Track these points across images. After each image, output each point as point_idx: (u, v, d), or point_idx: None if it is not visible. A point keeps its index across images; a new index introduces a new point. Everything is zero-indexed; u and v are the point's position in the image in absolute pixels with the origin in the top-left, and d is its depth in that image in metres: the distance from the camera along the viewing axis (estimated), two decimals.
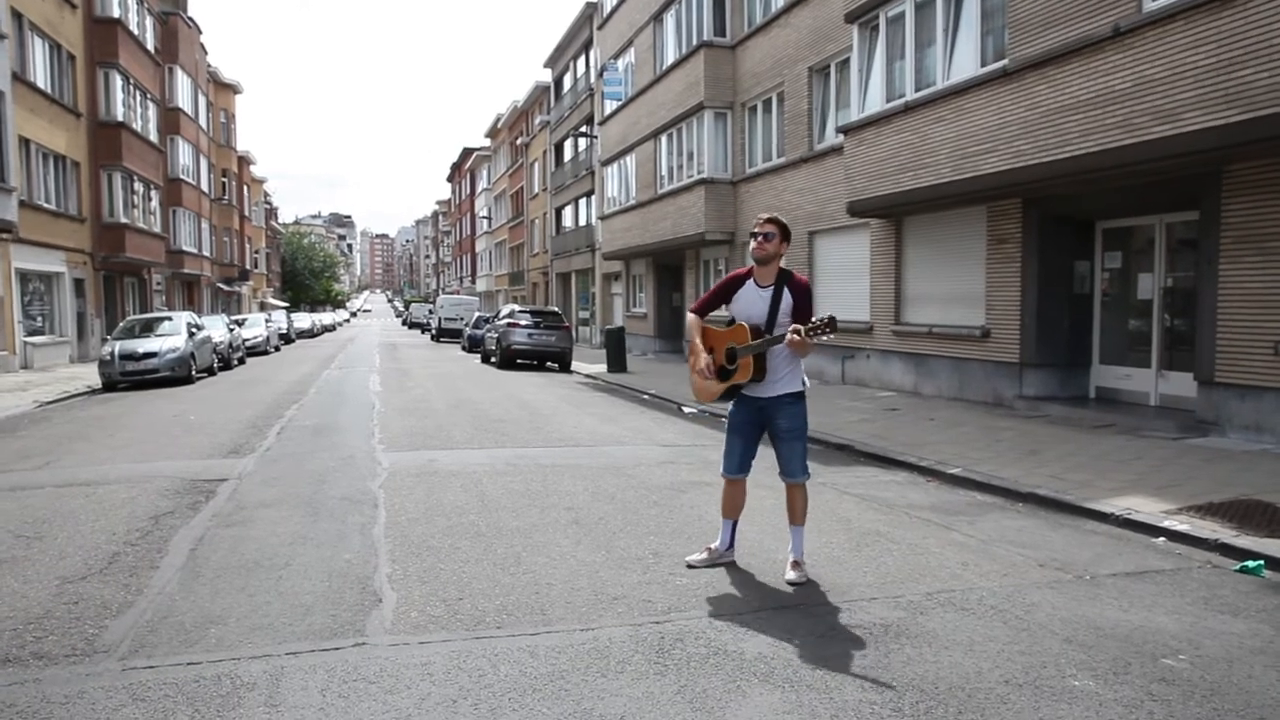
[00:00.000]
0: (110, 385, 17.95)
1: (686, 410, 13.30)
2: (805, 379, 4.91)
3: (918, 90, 12.18)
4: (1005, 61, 10.50)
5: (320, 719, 3.20)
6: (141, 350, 18.30)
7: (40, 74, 24.01)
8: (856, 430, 10.30)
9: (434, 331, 44.07)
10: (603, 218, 29.99)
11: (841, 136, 14.54)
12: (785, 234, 4.77)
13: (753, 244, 4.77)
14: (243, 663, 3.70)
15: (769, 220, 4.75)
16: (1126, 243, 11.08)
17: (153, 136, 32.27)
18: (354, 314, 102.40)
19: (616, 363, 20.75)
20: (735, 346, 4.74)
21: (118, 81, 28.20)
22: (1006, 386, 11.78)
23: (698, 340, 4.89)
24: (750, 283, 4.80)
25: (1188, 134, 8.21)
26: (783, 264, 4.85)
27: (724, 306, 4.95)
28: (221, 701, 3.34)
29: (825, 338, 4.44)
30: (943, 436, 9.72)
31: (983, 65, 10.89)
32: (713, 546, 5.16)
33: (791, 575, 4.79)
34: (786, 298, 4.68)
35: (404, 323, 75.83)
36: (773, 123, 18.84)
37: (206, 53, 43.08)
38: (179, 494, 7.12)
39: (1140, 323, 10.85)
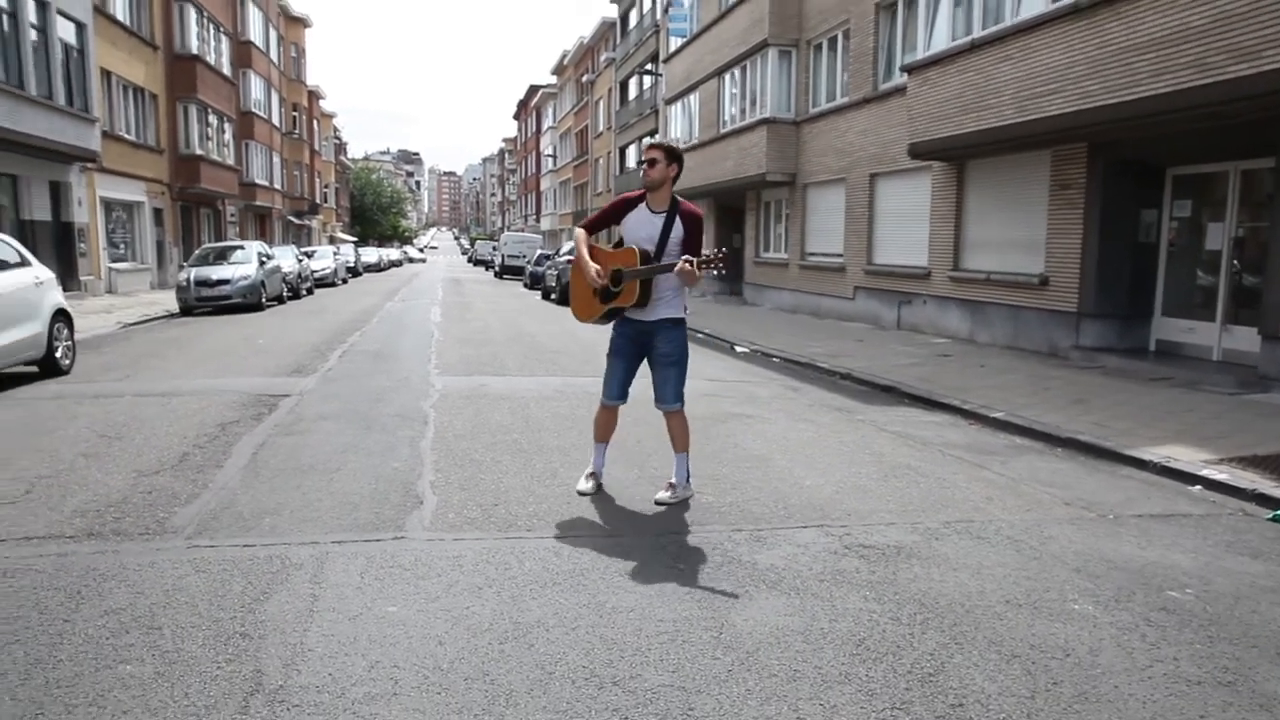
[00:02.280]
0: (186, 310, 18.75)
1: (739, 349, 13.41)
2: (686, 305, 4.89)
3: (985, 28, 11.83)
4: None
5: (357, 595, 3.50)
6: (215, 277, 19.03)
7: (119, 6, 24.66)
8: (904, 373, 10.31)
9: (497, 268, 44.59)
10: None
11: (905, 77, 14.21)
12: (671, 157, 4.70)
13: (642, 174, 4.73)
14: (292, 547, 4.04)
15: (653, 146, 4.71)
16: (1197, 191, 10.71)
17: (226, 70, 32.96)
18: (421, 250, 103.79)
19: None
20: (623, 269, 4.66)
21: (192, 14, 28.78)
22: (1063, 336, 11.60)
23: (585, 253, 4.76)
24: (643, 206, 4.74)
25: (1267, 73, 7.88)
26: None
27: (614, 227, 4.90)
28: (271, 576, 3.67)
29: (715, 271, 4.47)
30: (991, 382, 9.68)
31: (1054, 1, 10.51)
32: (595, 474, 5.10)
33: (663, 495, 4.86)
34: (678, 226, 4.65)
35: (469, 259, 76.85)
36: (837, 61, 18.45)
37: None
38: (244, 406, 7.56)
39: (1207, 274, 10.54)
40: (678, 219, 4.67)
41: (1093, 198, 11.13)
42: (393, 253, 67.02)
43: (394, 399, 8.07)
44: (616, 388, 4.93)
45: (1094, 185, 11.12)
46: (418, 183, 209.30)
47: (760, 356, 12.58)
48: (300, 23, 50.18)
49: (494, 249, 58.29)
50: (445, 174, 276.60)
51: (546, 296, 25.84)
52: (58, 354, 9.32)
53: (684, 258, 4.46)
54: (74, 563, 3.82)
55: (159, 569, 3.75)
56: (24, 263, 9.14)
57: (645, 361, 4.95)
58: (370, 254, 53.87)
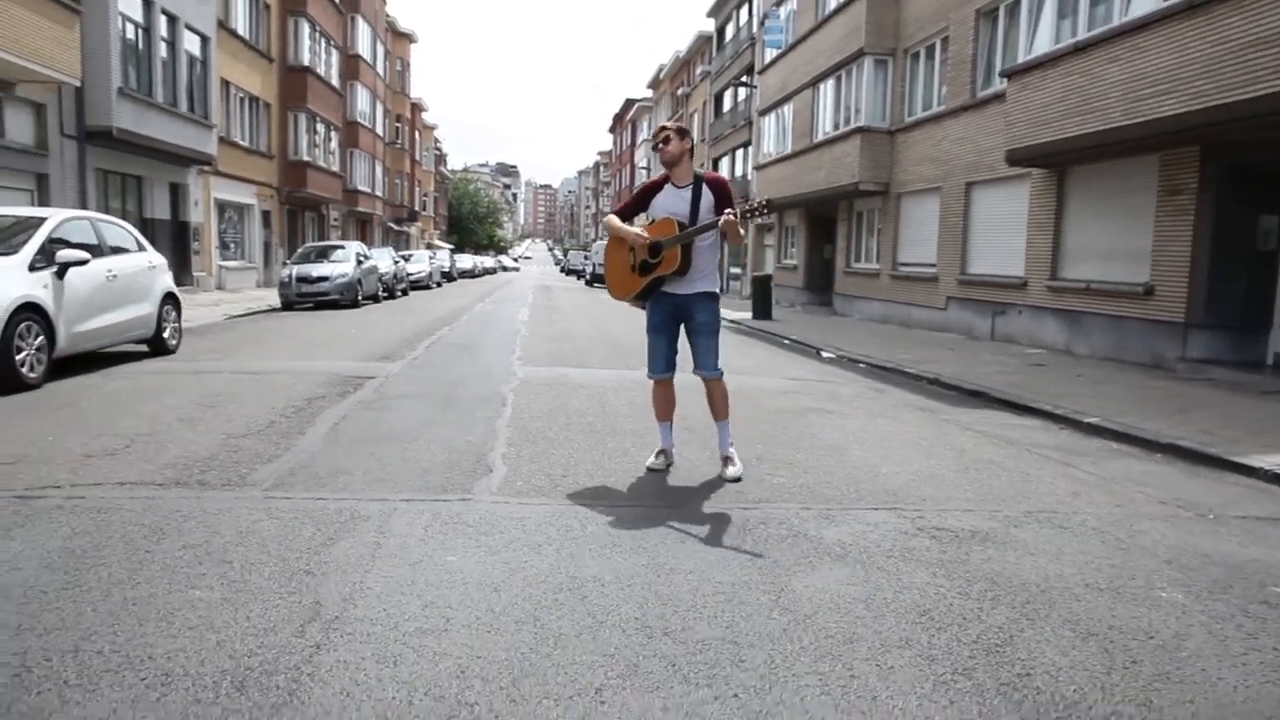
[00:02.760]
0: (287, 305, 19.54)
1: (824, 355, 13.19)
2: (719, 280, 4.94)
3: (1091, 29, 11.39)
4: None
5: (420, 546, 3.56)
6: (315, 274, 19.80)
7: (240, 21, 26.01)
8: (994, 380, 9.95)
9: (588, 276, 45.04)
10: (758, 168, 29.70)
11: (1004, 83, 13.79)
12: (682, 133, 4.87)
13: (658, 153, 4.87)
14: (362, 502, 4.14)
15: (663, 126, 4.84)
16: None
17: (334, 81, 34.37)
18: (515, 260, 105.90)
19: (761, 310, 20.68)
20: (660, 240, 4.75)
21: (305, 29, 30.14)
22: (1168, 347, 11.02)
23: (623, 225, 4.93)
24: (668, 186, 4.87)
25: None
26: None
27: (644, 215, 4.99)
28: (339, 525, 3.77)
29: (760, 216, 4.59)
30: (1086, 390, 9.25)
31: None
32: (667, 450, 5.12)
33: (730, 471, 4.88)
34: (706, 195, 4.75)
35: (561, 269, 78.04)
36: (934, 69, 18.05)
37: (385, 2, 45.20)
38: (331, 385, 7.81)
39: None
40: (704, 188, 4.78)
41: (1204, 203, 10.56)
42: (487, 260, 68.54)
43: (475, 384, 8.22)
44: (663, 361, 5.00)
45: (1206, 190, 10.55)
46: (514, 195, 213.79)
47: (845, 361, 12.34)
48: (406, 38, 52.00)
49: (585, 258, 58.98)
50: (541, 187, 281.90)
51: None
52: (165, 334, 9.82)
53: (727, 211, 4.52)
54: (160, 505, 3.99)
55: (235, 514, 3.89)
56: (140, 248, 9.67)
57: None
58: (465, 260, 55.20)
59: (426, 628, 2.78)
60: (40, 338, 7.33)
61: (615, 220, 5.04)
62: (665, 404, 5.11)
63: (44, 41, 14.17)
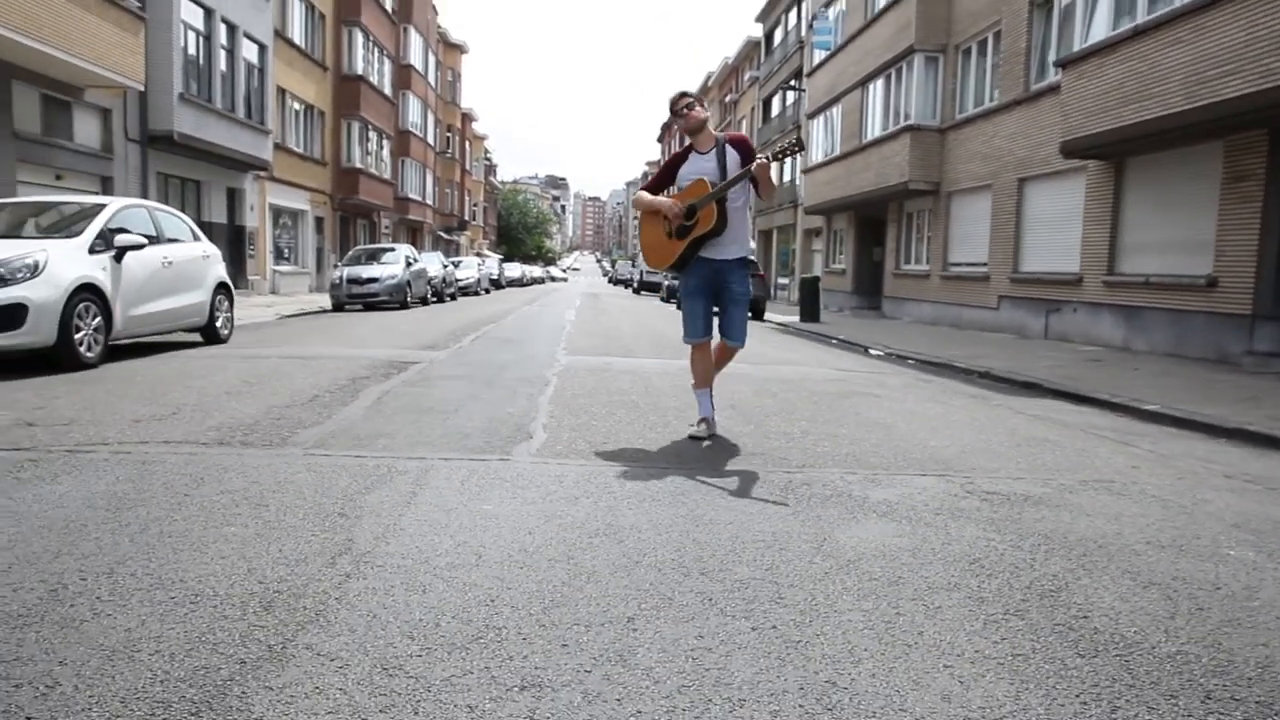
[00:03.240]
0: (338, 306, 19.85)
1: (873, 352, 12.97)
2: (753, 247, 5.01)
3: (1151, 12, 11.06)
4: None
5: (455, 497, 3.52)
6: (365, 275, 20.08)
7: (297, 30, 26.63)
8: (1048, 373, 9.65)
9: (635, 285, 45.08)
10: (805, 171, 29.47)
11: (1058, 74, 13.48)
12: (699, 100, 5.02)
13: (681, 122, 4.94)
14: (400, 460, 4.12)
15: (682, 94, 4.94)
16: None
17: (387, 90, 34.98)
18: (563, 270, 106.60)
19: (809, 312, 20.46)
20: (693, 202, 4.81)
21: (359, 38, 30.74)
22: (1233, 341, 10.61)
23: (654, 197, 4.99)
24: (692, 154, 4.97)
25: None
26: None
27: (672, 188, 5.04)
28: (376, 478, 3.75)
29: (792, 155, 4.77)
30: (1146, 382, 8.93)
31: None
32: (707, 419, 5.06)
33: (698, 430, 4.98)
34: (731, 154, 4.84)
35: (609, 279, 78.32)
36: (986, 64, 17.73)
37: (437, 14, 45.96)
38: (376, 367, 7.87)
39: None
40: (727, 148, 4.86)
41: (1272, 190, 10.16)
42: (535, 270, 69.05)
43: (519, 368, 8.21)
44: (701, 324, 5.03)
45: (1274, 176, 10.15)
46: (563, 207, 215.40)
47: (894, 358, 12.11)
48: (457, 49, 52.78)
49: (633, 266, 59.07)
50: (590, 199, 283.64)
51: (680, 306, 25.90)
52: (218, 323, 10.00)
53: (757, 158, 4.60)
54: (202, 459, 4.03)
55: (274, 467, 3.90)
56: (195, 238, 9.88)
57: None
58: (513, 269, 55.68)
59: (458, 562, 2.74)
60: (98, 318, 7.50)
61: (645, 194, 5.09)
62: (705, 369, 5.08)
63: (111, 48, 14.62)
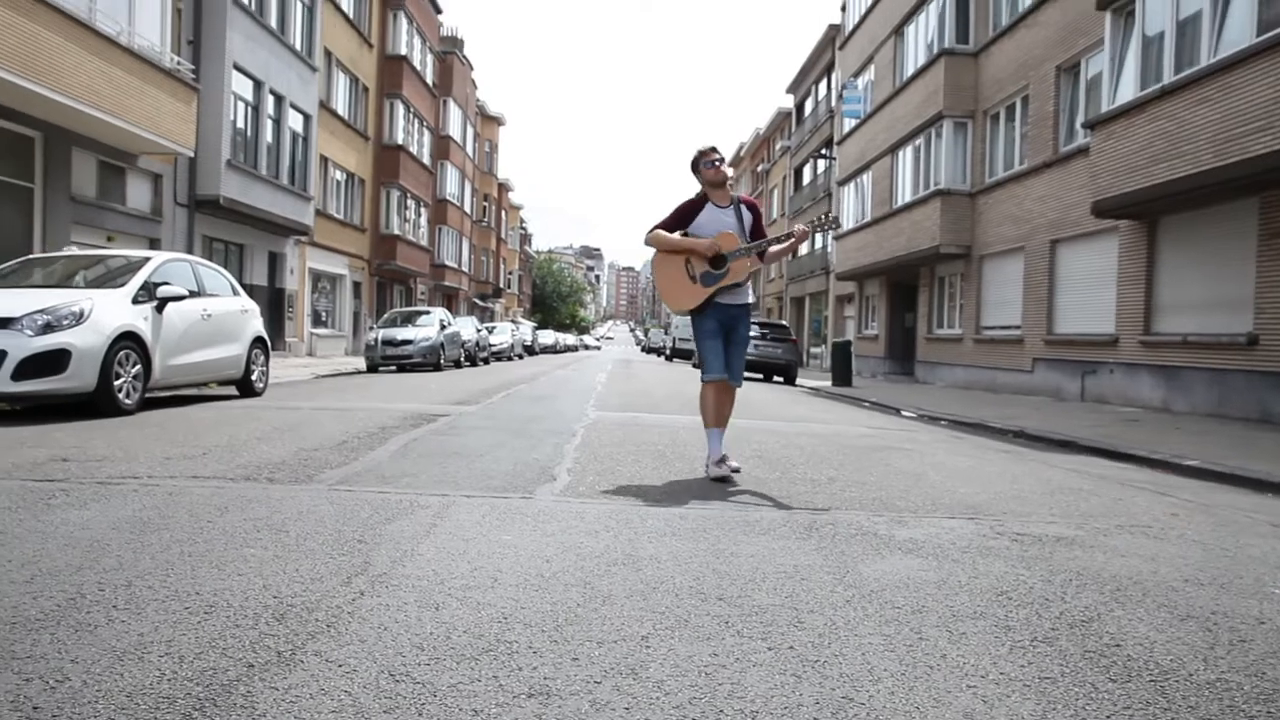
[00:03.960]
0: (373, 367, 20.10)
1: (905, 413, 12.83)
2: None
3: (1177, 72, 11.13)
4: None
5: (475, 528, 3.51)
6: (400, 337, 20.38)
7: (340, 101, 27.62)
8: (1084, 432, 9.48)
9: (668, 352, 45.20)
10: (837, 238, 29.66)
11: (1086, 136, 13.55)
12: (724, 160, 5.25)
13: (709, 172, 5.12)
14: (423, 496, 4.12)
15: (712, 149, 5.15)
16: None
17: (426, 160, 35.97)
18: (597, 339, 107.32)
19: (841, 377, 20.36)
20: (725, 252, 5.01)
21: (400, 110, 31.78)
22: (1277, 400, 10.36)
23: (682, 239, 5.09)
24: (709, 205, 5.14)
25: None
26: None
27: (683, 231, 5.16)
28: (398, 510, 3.75)
29: (829, 230, 5.20)
30: (1186, 440, 8.73)
31: (1259, 34, 9.77)
32: (719, 461, 5.08)
33: (732, 464, 5.10)
34: (746, 215, 5.15)
35: (642, 348, 78.75)
36: (1015, 129, 17.88)
37: (476, 88, 47.46)
38: (406, 418, 7.93)
39: None
40: (742, 208, 5.18)
41: None
42: (569, 338, 69.62)
43: (548, 421, 8.23)
44: (720, 362, 5.16)
45: None
46: (597, 277, 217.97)
47: (927, 418, 11.97)
48: (495, 121, 54.30)
49: (665, 334, 59.29)
50: (624, 269, 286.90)
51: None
52: (253, 377, 10.17)
53: (799, 225, 5.03)
54: (228, 491, 4.06)
55: (298, 499, 3.92)
56: (234, 293, 10.12)
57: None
58: (547, 336, 56.15)
59: (473, 584, 2.71)
60: (137, 366, 7.67)
61: (666, 234, 5.15)
62: (719, 409, 5.19)
63: (166, 117, 15.25)
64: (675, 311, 5.31)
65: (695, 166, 5.22)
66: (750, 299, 5.30)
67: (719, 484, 4.86)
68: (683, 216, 5.16)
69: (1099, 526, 4.12)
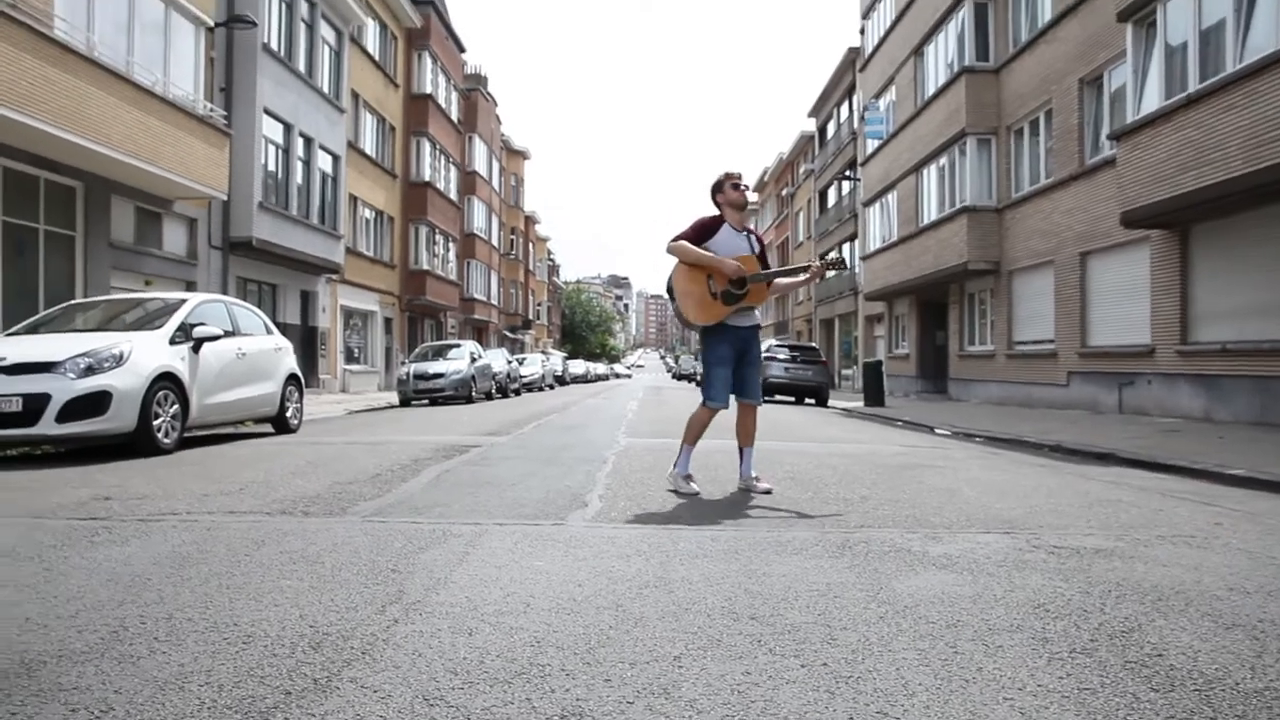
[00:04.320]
0: (405, 401, 20.29)
1: (939, 431, 12.70)
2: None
3: (1202, 80, 11.04)
4: None
5: (508, 554, 3.53)
6: (431, 371, 20.58)
7: (368, 141, 28.15)
8: (1123, 444, 9.31)
9: (699, 378, 45.16)
10: (864, 258, 29.58)
11: (1113, 146, 13.44)
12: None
13: (735, 194, 5.31)
14: (455, 525, 4.16)
15: (739, 174, 5.35)
16: None
17: (453, 195, 36.49)
18: (627, 368, 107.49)
19: (874, 397, 20.21)
20: (746, 275, 5.17)
21: (426, 148, 32.31)
22: None
23: (709, 256, 5.16)
24: (726, 227, 5.28)
25: None
26: None
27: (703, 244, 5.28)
28: (431, 540, 3.79)
29: (836, 273, 5.10)
30: (1228, 449, 8.54)
31: None
32: (687, 476, 5.38)
33: (761, 485, 5.32)
34: (755, 244, 5.35)
35: (672, 375, 78.78)
36: (1039, 143, 17.78)
37: (500, 123, 48.15)
38: (439, 449, 8.00)
39: None
40: (752, 238, 5.39)
41: None
42: (599, 367, 69.84)
43: (579, 449, 8.26)
44: (726, 393, 5.29)
45: None
46: (626, 305, 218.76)
47: (961, 435, 11.83)
48: (520, 155, 54.99)
49: (696, 360, 59.27)
50: (653, 297, 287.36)
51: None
52: (288, 414, 10.32)
53: (812, 263, 5.42)
54: (264, 525, 4.12)
55: (333, 531, 3.97)
56: (268, 332, 10.31)
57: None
58: (577, 366, 56.43)
59: (505, 609, 2.73)
60: (175, 406, 7.83)
61: (693, 247, 5.19)
62: (700, 430, 5.43)
63: (200, 162, 15.65)
64: (692, 322, 5.30)
65: (720, 188, 5.33)
66: (757, 322, 5.47)
67: (751, 506, 4.85)
68: (702, 232, 5.23)
69: (1139, 537, 4.05)
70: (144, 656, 2.25)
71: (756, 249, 5.35)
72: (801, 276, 5.39)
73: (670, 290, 5.36)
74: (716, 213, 5.37)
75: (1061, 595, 2.94)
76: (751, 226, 5.50)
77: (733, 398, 5.42)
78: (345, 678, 2.12)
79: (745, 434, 5.46)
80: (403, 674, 2.16)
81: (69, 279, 13.68)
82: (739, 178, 5.35)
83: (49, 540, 3.71)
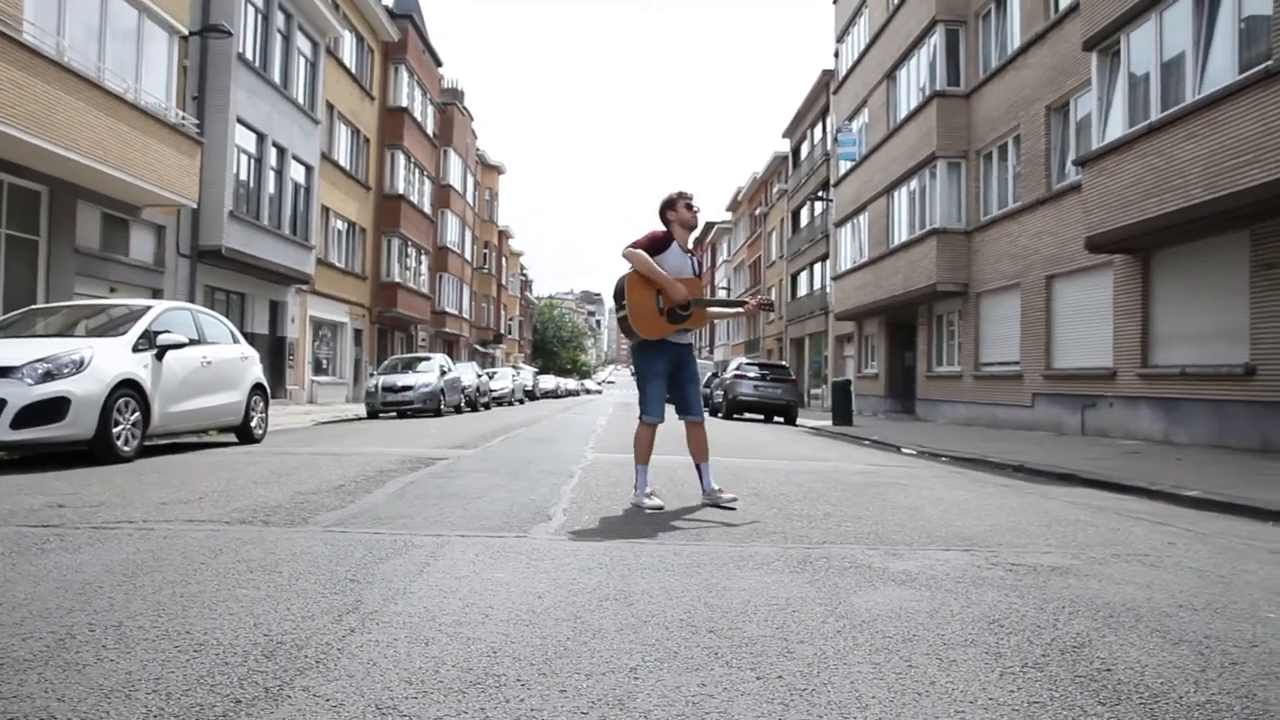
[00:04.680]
0: (373, 414, 20.12)
1: (905, 451, 12.80)
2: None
3: (1164, 109, 11.31)
4: (1269, 62, 9.53)
5: (469, 565, 3.51)
6: (400, 384, 20.44)
7: (342, 153, 28.01)
8: (1084, 465, 9.45)
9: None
10: (835, 278, 29.85)
11: (1079, 172, 13.72)
12: None
13: (687, 214, 5.35)
14: (418, 536, 4.13)
15: (690, 194, 5.39)
16: None
17: (426, 209, 36.35)
18: (598, 384, 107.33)
19: (842, 415, 20.32)
20: (692, 300, 5.27)
21: (401, 160, 32.20)
22: (1278, 429, 10.34)
23: (665, 273, 5.18)
24: (675, 246, 5.32)
25: None
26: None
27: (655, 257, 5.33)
28: (391, 550, 3.76)
29: (766, 311, 5.34)
30: (1186, 471, 8.70)
31: (1241, 71, 9.95)
32: (648, 493, 5.34)
33: (725, 497, 5.40)
34: (698, 266, 5.43)
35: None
36: (1008, 167, 18.10)
37: (476, 137, 48.12)
38: (404, 462, 7.94)
39: None
40: (696, 261, 5.46)
41: None
42: (570, 383, 69.69)
43: (545, 462, 8.23)
44: (661, 407, 5.35)
45: None
46: (598, 321, 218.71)
47: (927, 455, 11.93)
48: (495, 170, 54.96)
49: None
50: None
51: (714, 414, 25.81)
52: (253, 423, 10.20)
53: (749, 300, 5.71)
54: (223, 534, 4.07)
55: (292, 541, 3.93)
56: (234, 340, 10.19)
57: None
58: (548, 381, 56.24)
59: (464, 620, 2.71)
60: (136, 414, 7.71)
61: (650, 260, 5.17)
62: (649, 447, 5.44)
63: (171, 170, 15.48)
64: (637, 334, 5.27)
65: (672, 205, 5.38)
66: (692, 338, 5.60)
67: (713, 522, 4.86)
68: (654, 246, 5.24)
69: (1095, 556, 4.11)
70: (90, 664, 2.21)
71: (699, 272, 5.45)
72: (736, 310, 5.62)
73: (619, 295, 5.30)
74: (665, 229, 5.36)
75: (1016, 611, 2.98)
76: (692, 248, 5.52)
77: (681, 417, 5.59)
78: (297, 686, 2.10)
79: (699, 450, 5.51)
80: (356, 683, 2.14)
81: (30, 285, 13.44)
82: (691, 198, 5.38)
83: None
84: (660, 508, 5.23)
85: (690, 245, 5.50)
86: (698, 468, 5.54)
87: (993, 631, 2.72)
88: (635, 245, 5.21)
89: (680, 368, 5.40)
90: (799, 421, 22.62)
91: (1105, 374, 13.86)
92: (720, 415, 24.00)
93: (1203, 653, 2.56)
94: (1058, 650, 2.55)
